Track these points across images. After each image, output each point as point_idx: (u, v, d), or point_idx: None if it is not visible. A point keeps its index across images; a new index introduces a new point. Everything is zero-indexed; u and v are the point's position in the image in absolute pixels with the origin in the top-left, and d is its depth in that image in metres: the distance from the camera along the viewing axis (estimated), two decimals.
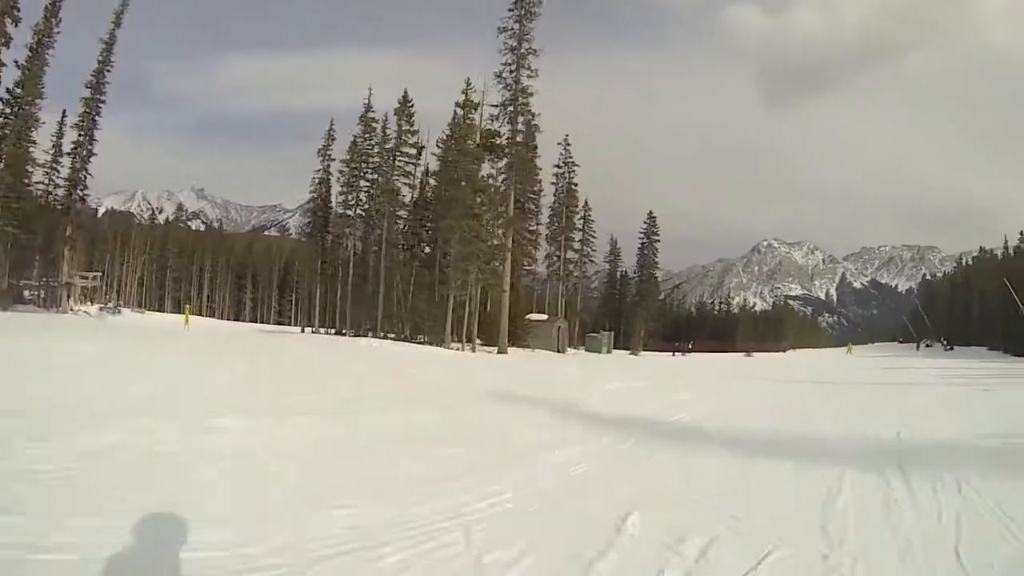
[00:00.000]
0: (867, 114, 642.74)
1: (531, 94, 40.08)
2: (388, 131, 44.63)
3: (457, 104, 39.78)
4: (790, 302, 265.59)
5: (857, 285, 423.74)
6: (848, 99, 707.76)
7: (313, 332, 46.74)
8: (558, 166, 57.75)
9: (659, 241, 70.14)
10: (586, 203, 62.29)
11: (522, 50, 39.67)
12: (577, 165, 58.32)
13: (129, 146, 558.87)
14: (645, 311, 68.88)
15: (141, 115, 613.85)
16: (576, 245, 60.54)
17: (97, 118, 38.00)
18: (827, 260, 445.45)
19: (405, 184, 44.56)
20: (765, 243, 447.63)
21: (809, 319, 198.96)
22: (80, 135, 37.48)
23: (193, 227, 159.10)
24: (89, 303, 45.65)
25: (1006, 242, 75.19)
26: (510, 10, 39.65)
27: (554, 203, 57.20)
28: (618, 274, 75.03)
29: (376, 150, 45.08)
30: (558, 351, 42.69)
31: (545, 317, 47.18)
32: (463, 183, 37.07)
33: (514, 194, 42.09)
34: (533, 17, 39.71)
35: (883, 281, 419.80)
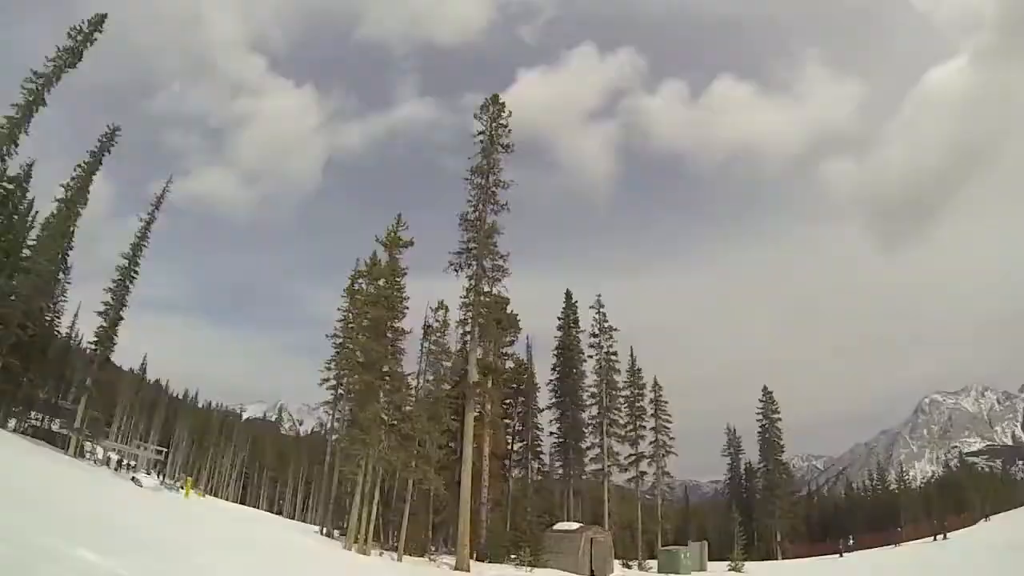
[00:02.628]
0: (992, 220, 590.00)
1: (499, 232, 35.80)
2: None
3: (377, 239, 35.53)
4: (974, 459, 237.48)
5: None
6: (964, 215, 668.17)
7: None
8: (594, 334, 50.90)
9: (780, 420, 62.81)
10: (656, 383, 53.67)
11: (489, 184, 36.23)
12: (616, 329, 50.85)
13: (276, 361, 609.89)
14: (778, 508, 59.31)
15: (291, 334, 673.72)
16: (646, 433, 52.48)
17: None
18: (1003, 399, 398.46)
19: None
20: (927, 400, 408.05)
21: (1000, 471, 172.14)
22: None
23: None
24: (150, 473, 45.54)
25: None
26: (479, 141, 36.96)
27: (597, 381, 50.60)
28: (741, 467, 67.36)
29: None
30: (592, 573, 34.08)
31: (575, 527, 37.04)
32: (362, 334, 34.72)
33: (480, 353, 36.75)
34: (498, 151, 36.86)
35: None
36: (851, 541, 52.24)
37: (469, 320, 37.02)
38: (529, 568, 31.38)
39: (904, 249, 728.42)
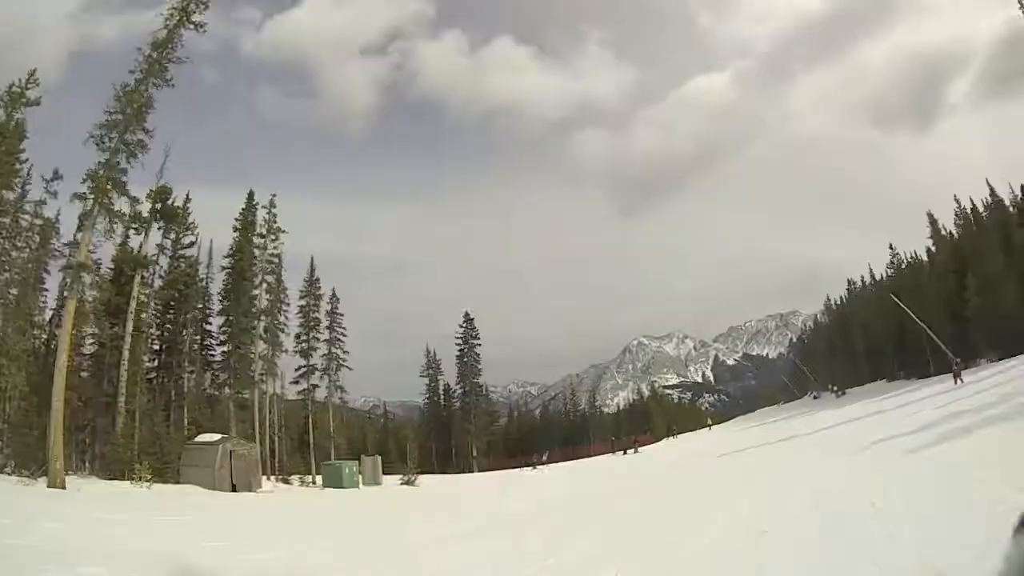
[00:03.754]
0: (712, 209, 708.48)
1: (152, 107, 28.70)
2: None
3: None
4: (668, 391, 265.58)
5: (730, 362, 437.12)
6: (694, 199, 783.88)
7: None
8: (261, 235, 44.40)
9: (480, 345, 61.94)
10: (334, 294, 51.24)
11: (162, 58, 28.42)
12: (284, 232, 44.92)
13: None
14: (473, 426, 59.45)
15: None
16: (320, 345, 48.56)
17: None
18: (698, 346, 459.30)
19: None
20: (635, 342, 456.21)
21: (688, 403, 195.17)
22: None
23: None
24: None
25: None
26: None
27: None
28: (441, 388, 64.81)
29: None
30: (234, 488, 28.87)
31: (216, 438, 31.27)
32: None
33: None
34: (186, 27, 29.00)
35: (754, 353, 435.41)
36: (545, 456, 55.28)
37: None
38: (148, 484, 25.05)
39: (637, 217, 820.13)
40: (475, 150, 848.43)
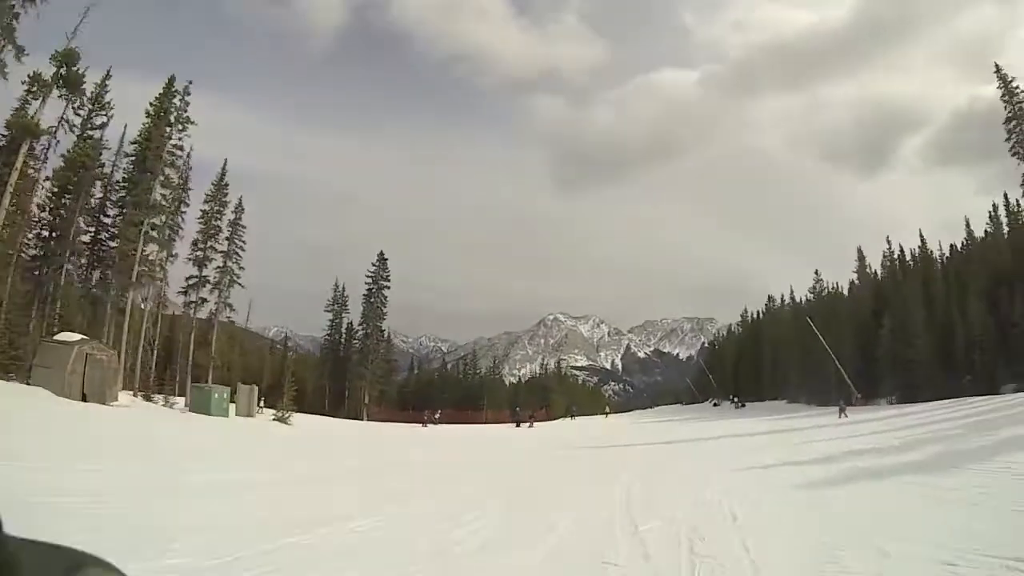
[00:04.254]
0: (653, 202, 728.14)
1: None
2: None
3: None
4: (576, 372, 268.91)
5: (641, 355, 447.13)
6: (636, 187, 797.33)
7: None
8: (168, 124, 39.59)
9: (389, 287, 58.37)
10: (240, 204, 46.70)
11: None
12: (193, 123, 40.10)
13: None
14: (369, 372, 55.87)
15: None
16: (217, 257, 44.83)
17: None
18: (612, 332, 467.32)
19: None
20: (551, 317, 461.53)
21: (593, 387, 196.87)
22: None
23: None
24: None
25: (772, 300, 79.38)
26: None
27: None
28: (343, 326, 60.79)
29: None
30: (84, 398, 25.29)
31: (75, 338, 27.31)
32: None
33: None
34: None
35: (665, 350, 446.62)
36: (438, 414, 52.44)
37: None
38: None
39: (576, 194, 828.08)
40: (430, 92, 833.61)
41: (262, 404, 37.98)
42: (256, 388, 37.31)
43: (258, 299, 45.40)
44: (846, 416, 33.07)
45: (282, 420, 35.02)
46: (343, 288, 60.62)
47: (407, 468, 18.09)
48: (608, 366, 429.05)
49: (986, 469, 11.16)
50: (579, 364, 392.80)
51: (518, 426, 49.11)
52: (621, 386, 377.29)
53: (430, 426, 46.66)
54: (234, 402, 34.00)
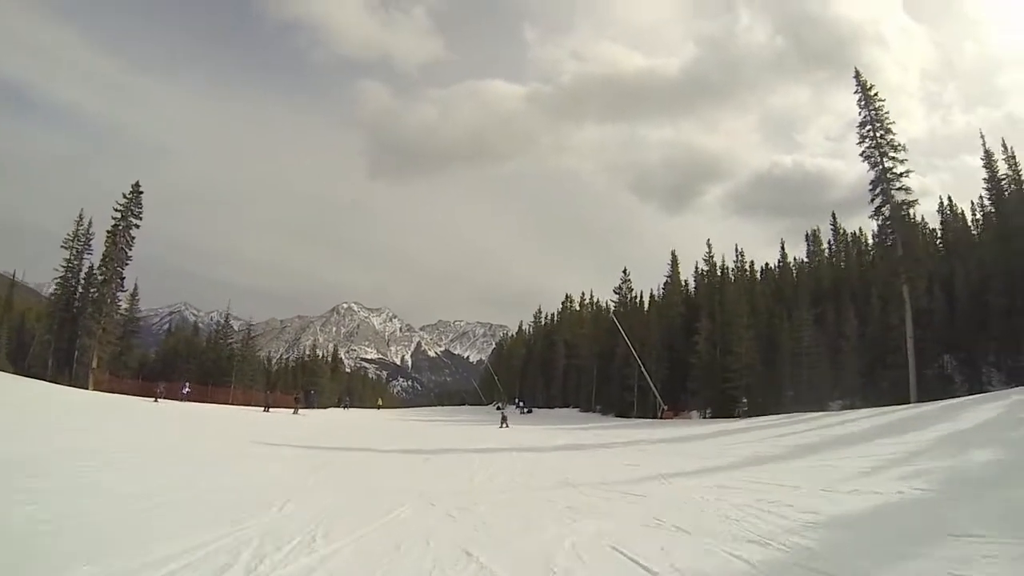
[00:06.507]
0: (459, 204, 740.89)
1: None
2: None
3: None
4: (366, 364, 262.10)
5: (432, 353, 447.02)
6: (447, 188, 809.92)
7: None
8: None
9: (139, 226, 46.62)
10: None
11: None
12: None
13: None
14: (101, 327, 45.20)
15: None
16: None
17: None
18: (405, 328, 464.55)
19: None
20: (346, 305, 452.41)
21: (383, 381, 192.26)
22: None
23: None
24: None
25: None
26: None
27: None
28: (83, 270, 47.72)
29: None
30: None
31: None
32: None
33: None
34: None
35: (456, 352, 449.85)
36: (186, 388, 45.24)
37: None
38: None
39: (387, 184, 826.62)
40: (261, 52, 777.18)
41: None
42: None
43: None
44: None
45: None
46: (89, 223, 47.54)
47: None
48: (398, 361, 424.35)
49: None
50: (369, 356, 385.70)
51: (267, 411, 41.64)
52: (410, 383, 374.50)
53: (161, 402, 38.90)
54: None
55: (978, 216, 42.54)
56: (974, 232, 42.47)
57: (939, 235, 44.68)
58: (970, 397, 23.48)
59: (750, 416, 32.99)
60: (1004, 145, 35.95)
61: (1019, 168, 35.45)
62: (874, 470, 10.81)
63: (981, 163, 36.41)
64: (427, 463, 15.04)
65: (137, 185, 46.21)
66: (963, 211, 45.08)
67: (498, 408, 65.05)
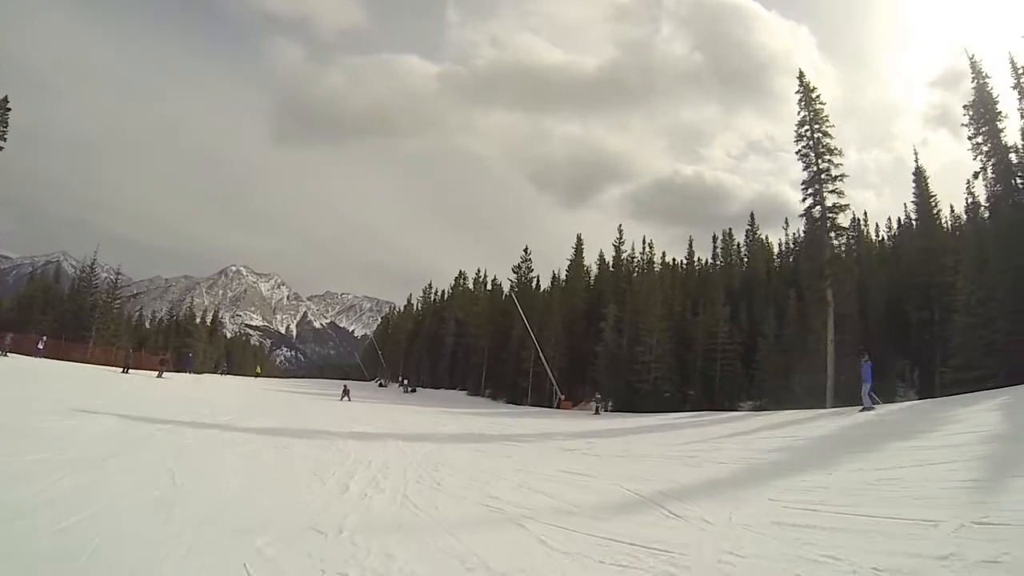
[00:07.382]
0: (359, 176, 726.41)
1: None
2: None
3: None
4: (250, 331, 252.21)
5: (318, 325, 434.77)
6: (348, 158, 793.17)
7: None
8: None
9: (2, 147, 38.94)
10: None
11: None
12: None
13: None
14: None
15: None
16: None
17: None
18: (292, 297, 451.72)
19: None
20: (234, 268, 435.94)
21: (267, 349, 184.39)
22: None
23: None
24: None
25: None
26: None
27: None
28: None
29: None
30: None
31: None
32: None
33: None
34: None
35: (342, 325, 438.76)
36: (41, 343, 40.58)
37: None
38: None
39: (290, 149, 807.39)
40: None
41: None
42: None
43: None
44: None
45: None
46: None
47: None
48: (283, 330, 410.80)
49: None
50: (254, 323, 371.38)
51: (125, 371, 36.66)
52: (293, 353, 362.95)
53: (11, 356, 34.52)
54: None
55: (895, 230, 44.18)
56: (888, 244, 43.70)
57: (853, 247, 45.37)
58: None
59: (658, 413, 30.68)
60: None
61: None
62: None
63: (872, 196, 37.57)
64: (284, 453, 11.10)
65: (5, 100, 38.57)
66: (878, 224, 47.03)
67: (380, 385, 61.21)
